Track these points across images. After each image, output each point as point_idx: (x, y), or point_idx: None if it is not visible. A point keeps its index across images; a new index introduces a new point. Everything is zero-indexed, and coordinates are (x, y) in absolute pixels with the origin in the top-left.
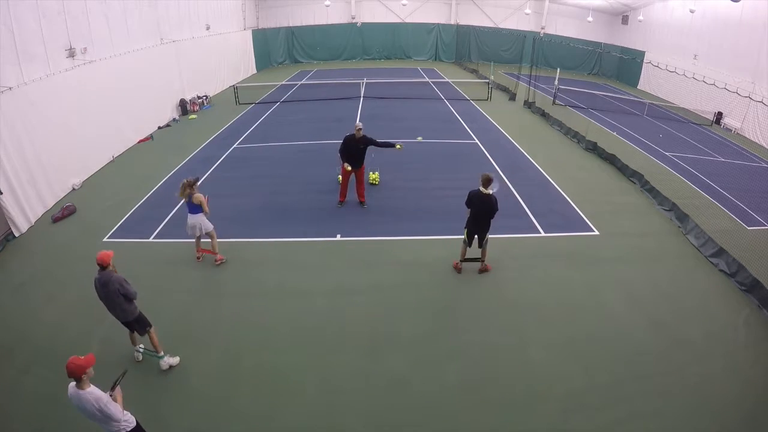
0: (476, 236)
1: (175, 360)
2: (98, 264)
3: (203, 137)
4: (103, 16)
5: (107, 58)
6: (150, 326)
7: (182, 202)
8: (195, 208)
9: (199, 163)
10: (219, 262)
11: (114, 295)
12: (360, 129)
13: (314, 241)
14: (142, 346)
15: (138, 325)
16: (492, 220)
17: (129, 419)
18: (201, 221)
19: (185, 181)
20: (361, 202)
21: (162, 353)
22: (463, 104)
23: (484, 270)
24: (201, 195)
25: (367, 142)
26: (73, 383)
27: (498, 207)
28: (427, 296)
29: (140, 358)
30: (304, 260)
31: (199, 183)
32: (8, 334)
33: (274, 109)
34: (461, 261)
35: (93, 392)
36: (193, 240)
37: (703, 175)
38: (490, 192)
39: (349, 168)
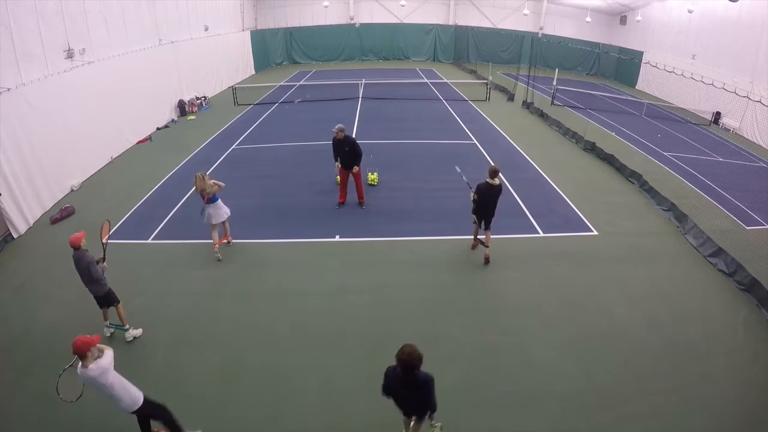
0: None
1: (138, 332)
2: (70, 245)
3: (202, 138)
4: (102, 17)
5: (106, 59)
6: (118, 302)
7: (182, 202)
8: (213, 197)
9: (198, 164)
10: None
11: (85, 271)
12: (339, 130)
13: (313, 242)
14: (110, 322)
15: (107, 299)
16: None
17: (134, 398)
18: (223, 206)
19: (199, 175)
20: (360, 203)
21: (127, 326)
22: (461, 105)
23: (487, 257)
24: (213, 182)
25: (352, 144)
26: (80, 364)
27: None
28: (427, 297)
29: (108, 333)
30: (303, 261)
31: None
32: (7, 335)
33: (272, 110)
34: (474, 240)
35: (99, 363)
36: (192, 240)
37: (702, 175)
38: (497, 182)
39: (339, 166)
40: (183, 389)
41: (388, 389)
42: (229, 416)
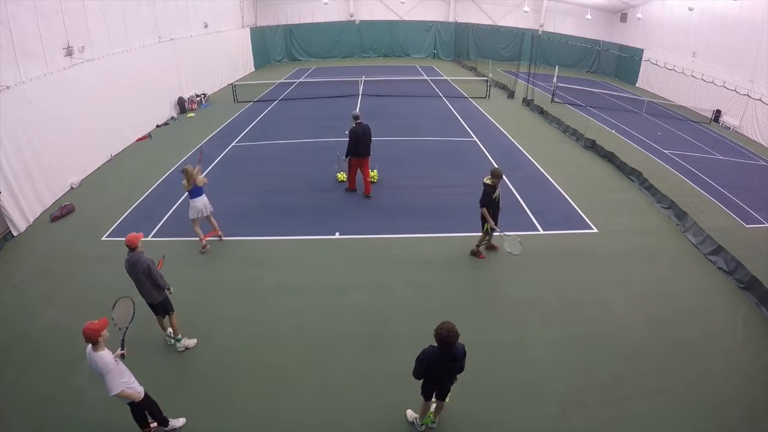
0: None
1: (192, 342)
2: (126, 245)
3: (201, 136)
4: (101, 15)
5: (105, 57)
6: (172, 311)
7: (182, 200)
8: (198, 190)
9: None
10: (221, 237)
11: (142, 275)
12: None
13: (313, 239)
14: (170, 330)
15: (161, 308)
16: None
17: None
18: (206, 200)
19: (187, 169)
20: (367, 195)
21: (180, 336)
22: (461, 102)
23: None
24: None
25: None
26: (90, 345)
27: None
28: (426, 294)
29: (170, 343)
30: (302, 258)
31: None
32: (7, 333)
33: (272, 107)
34: (489, 245)
35: (102, 356)
36: (192, 238)
37: (702, 173)
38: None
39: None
40: (181, 384)
41: (427, 370)
42: (227, 411)
